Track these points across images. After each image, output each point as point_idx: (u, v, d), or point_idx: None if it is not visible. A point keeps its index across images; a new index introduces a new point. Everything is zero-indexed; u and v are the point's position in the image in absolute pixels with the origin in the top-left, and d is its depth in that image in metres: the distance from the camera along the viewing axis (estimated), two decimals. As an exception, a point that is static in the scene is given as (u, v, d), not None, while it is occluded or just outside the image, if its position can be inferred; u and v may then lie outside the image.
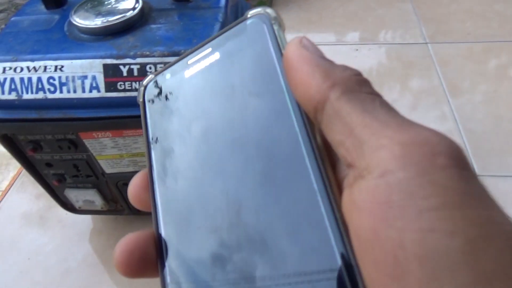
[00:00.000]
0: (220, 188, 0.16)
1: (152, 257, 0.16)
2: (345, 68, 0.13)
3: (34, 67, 0.43)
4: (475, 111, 0.77)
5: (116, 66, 0.42)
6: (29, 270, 0.62)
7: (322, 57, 0.14)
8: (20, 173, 0.77)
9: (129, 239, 0.17)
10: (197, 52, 0.18)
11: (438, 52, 0.90)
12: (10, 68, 0.43)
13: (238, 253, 0.14)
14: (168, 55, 0.42)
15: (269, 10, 0.17)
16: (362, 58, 0.91)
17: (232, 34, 0.18)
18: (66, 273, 0.61)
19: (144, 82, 0.20)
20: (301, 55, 0.14)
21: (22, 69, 0.43)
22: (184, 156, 0.17)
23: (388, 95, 0.82)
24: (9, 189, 0.74)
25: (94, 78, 0.43)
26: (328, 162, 0.14)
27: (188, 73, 0.18)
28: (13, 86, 0.43)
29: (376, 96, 0.13)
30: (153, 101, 0.19)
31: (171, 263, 0.16)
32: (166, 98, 0.19)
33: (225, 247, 0.15)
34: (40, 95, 0.43)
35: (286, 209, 0.14)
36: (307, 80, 0.13)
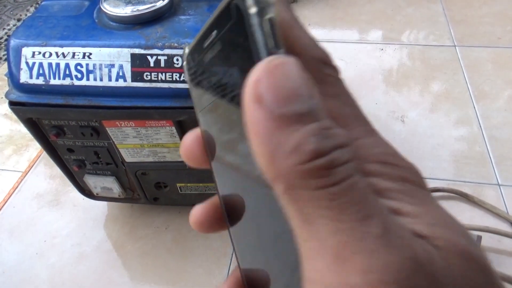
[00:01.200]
0: None
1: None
2: (294, 149, 0.11)
3: (62, 53, 0.43)
4: (501, 118, 0.75)
5: (143, 56, 0.42)
6: (45, 252, 0.63)
7: (272, 119, 0.11)
8: (39, 155, 0.78)
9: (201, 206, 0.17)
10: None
11: (466, 55, 0.88)
12: (39, 53, 0.43)
13: None
14: (197, 48, 0.41)
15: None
16: (386, 58, 0.89)
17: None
18: (80, 257, 0.62)
19: (187, 50, 0.19)
20: (253, 120, 0.11)
21: (50, 54, 0.43)
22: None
23: (412, 97, 0.80)
24: (28, 171, 0.75)
25: (121, 67, 0.42)
26: None
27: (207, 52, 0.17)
28: (41, 71, 0.43)
29: (322, 192, 0.10)
30: (193, 69, 0.19)
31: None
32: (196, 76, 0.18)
33: None
34: (67, 81, 0.43)
35: None
36: (258, 155, 0.11)
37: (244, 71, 0.13)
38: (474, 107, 0.77)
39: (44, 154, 0.77)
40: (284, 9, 0.13)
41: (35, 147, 0.79)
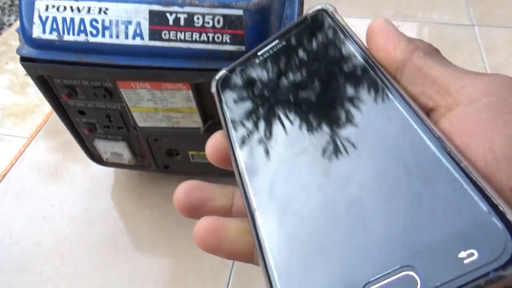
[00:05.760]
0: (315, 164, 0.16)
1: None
2: (421, 40, 0.17)
3: (77, 7, 0.41)
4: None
5: (162, 14, 0.40)
6: (52, 217, 0.62)
7: (401, 32, 0.17)
8: (46, 121, 0.76)
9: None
10: (265, 45, 0.21)
11: (485, 35, 0.86)
12: (53, 6, 0.41)
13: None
14: (218, 7, 0.40)
15: (328, 5, 0.20)
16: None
17: (296, 26, 0.20)
18: (88, 223, 0.61)
19: (217, 77, 0.22)
20: (386, 27, 0.17)
21: (65, 8, 0.41)
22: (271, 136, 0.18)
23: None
24: (35, 135, 0.74)
25: (138, 24, 0.41)
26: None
27: (260, 62, 0.21)
28: (54, 26, 0.42)
29: (447, 60, 0.16)
30: (229, 92, 0.21)
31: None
32: (243, 86, 0.21)
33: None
34: (82, 38, 0.42)
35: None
36: (392, 45, 0.16)
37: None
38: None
39: (50, 123, 0.76)
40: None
41: (40, 113, 0.78)
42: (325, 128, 0.16)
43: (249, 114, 0.19)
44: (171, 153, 0.56)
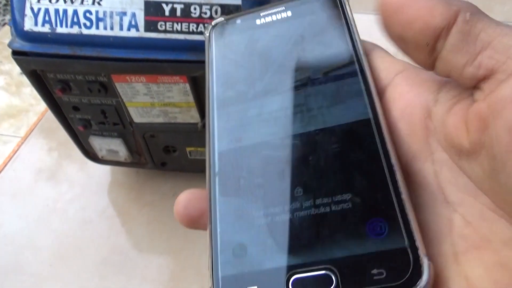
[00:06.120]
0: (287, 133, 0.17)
1: None
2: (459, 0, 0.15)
3: (70, -2, 0.40)
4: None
5: (158, 4, 0.39)
6: (47, 216, 0.61)
7: None
8: (40, 119, 0.75)
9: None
10: (269, 9, 0.21)
11: None
12: (45, -3, 0.40)
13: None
14: (215, -4, 0.39)
15: None
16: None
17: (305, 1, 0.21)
18: (84, 223, 0.60)
19: (213, 22, 0.22)
20: None
21: (57, 0, 0.40)
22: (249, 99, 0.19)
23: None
24: (29, 134, 0.72)
25: (133, 15, 0.40)
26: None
27: (259, 23, 0.21)
28: (47, 18, 0.40)
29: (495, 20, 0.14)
30: (220, 43, 0.21)
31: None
32: (237, 40, 0.21)
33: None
34: (75, 30, 0.40)
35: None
36: (427, 11, 0.14)
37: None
38: None
39: (44, 122, 0.75)
40: None
41: (34, 112, 0.77)
42: (295, 96, 0.18)
43: (236, 69, 0.20)
44: (168, 149, 0.55)
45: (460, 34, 0.14)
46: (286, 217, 0.15)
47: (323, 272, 0.14)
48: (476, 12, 0.14)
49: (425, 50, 0.15)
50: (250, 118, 0.18)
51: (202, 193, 0.18)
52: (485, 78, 0.13)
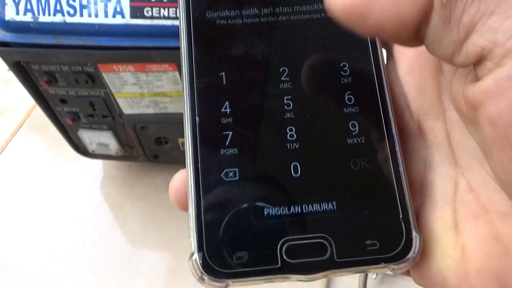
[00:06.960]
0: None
1: None
2: None
3: (52, -15, 0.38)
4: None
5: (143, -11, 0.38)
6: (38, 214, 0.60)
7: None
8: (29, 115, 0.74)
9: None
10: None
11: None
12: (26, -16, 0.39)
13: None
14: (203, -21, 0.37)
15: None
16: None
17: None
18: (76, 218, 0.59)
19: None
20: None
21: (38, -14, 0.39)
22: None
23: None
24: (18, 130, 0.71)
25: (118, 1, 0.38)
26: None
27: None
28: (28, 6, 0.39)
29: None
30: (200, 15, 0.19)
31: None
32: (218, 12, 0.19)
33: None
34: (58, 18, 0.39)
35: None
36: (394, 10, 0.12)
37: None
38: None
39: (31, 118, 0.73)
40: None
41: (24, 108, 0.75)
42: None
43: (220, 31, 0.18)
44: (160, 141, 0.54)
45: (440, 22, 0.12)
46: (281, 176, 0.15)
47: (317, 240, 0.14)
48: None
49: (410, 43, 0.13)
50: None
51: None
52: (477, 63, 0.12)
